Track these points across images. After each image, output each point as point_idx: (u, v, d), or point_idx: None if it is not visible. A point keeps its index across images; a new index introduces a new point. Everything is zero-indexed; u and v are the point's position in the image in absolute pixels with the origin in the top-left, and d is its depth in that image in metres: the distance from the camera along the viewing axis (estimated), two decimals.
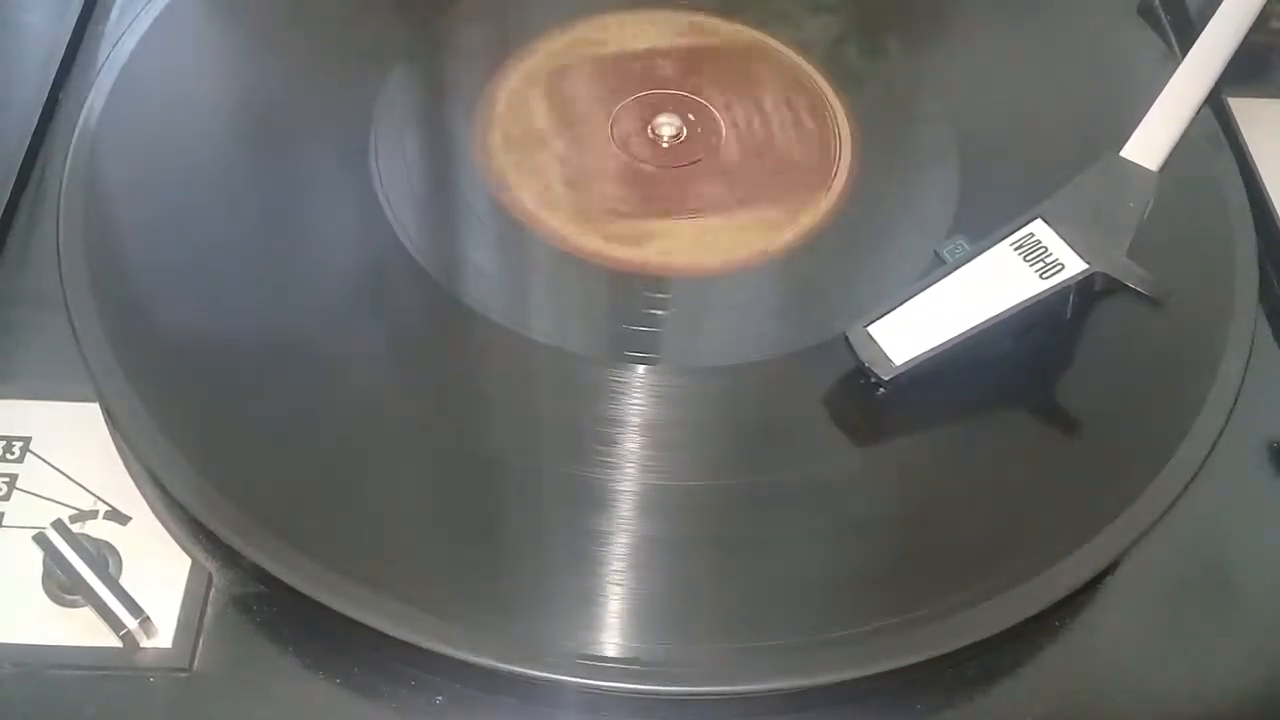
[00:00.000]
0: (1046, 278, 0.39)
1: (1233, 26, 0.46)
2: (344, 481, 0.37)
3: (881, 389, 0.39)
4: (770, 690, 0.34)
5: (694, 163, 0.47)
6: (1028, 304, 0.39)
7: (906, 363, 0.38)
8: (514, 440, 0.39)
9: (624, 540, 0.36)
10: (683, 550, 0.36)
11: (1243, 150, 0.48)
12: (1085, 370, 0.41)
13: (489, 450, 0.38)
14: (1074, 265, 0.39)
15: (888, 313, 0.39)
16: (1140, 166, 0.42)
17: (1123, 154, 0.43)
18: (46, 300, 0.42)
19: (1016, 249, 0.40)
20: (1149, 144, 0.43)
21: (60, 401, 0.40)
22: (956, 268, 0.40)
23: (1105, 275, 0.39)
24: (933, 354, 0.38)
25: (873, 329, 0.39)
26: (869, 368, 0.38)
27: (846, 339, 0.39)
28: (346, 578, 0.34)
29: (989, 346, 0.39)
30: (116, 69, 0.47)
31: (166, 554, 0.37)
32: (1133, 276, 0.39)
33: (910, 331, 0.39)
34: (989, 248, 0.40)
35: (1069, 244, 0.40)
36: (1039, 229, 0.40)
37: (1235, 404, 0.40)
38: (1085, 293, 0.40)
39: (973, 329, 0.39)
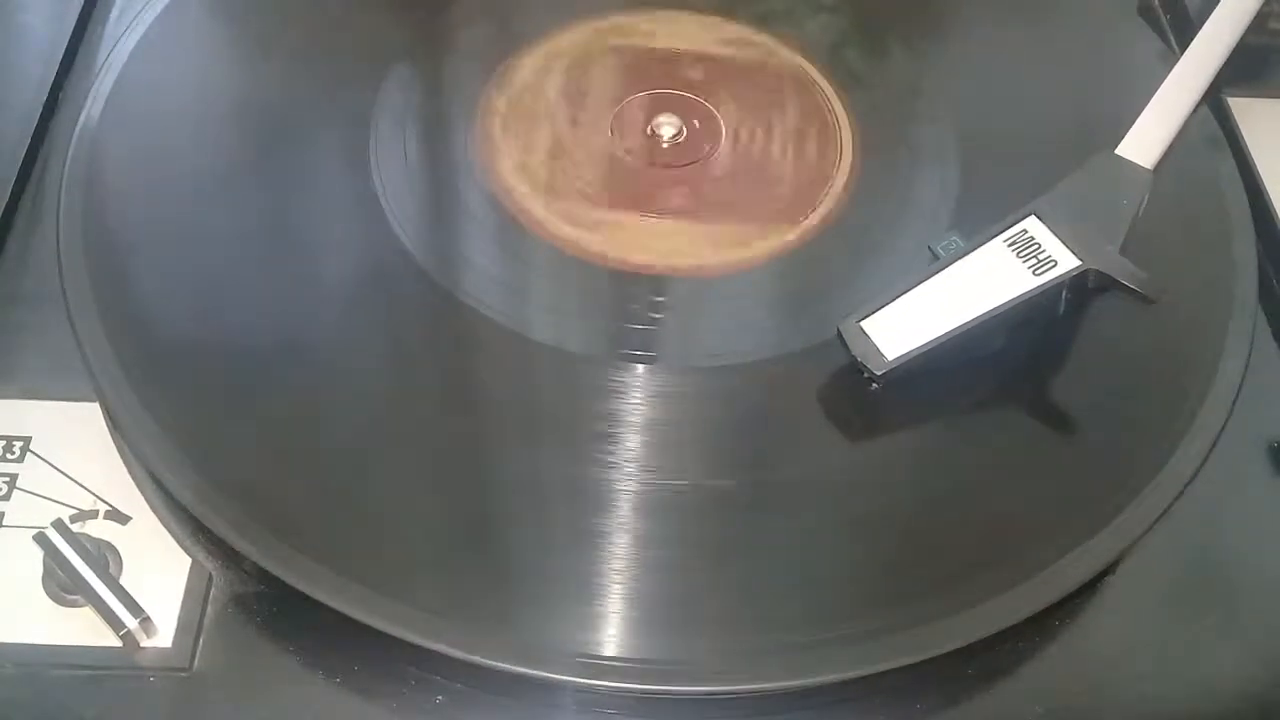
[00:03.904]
0: (1039, 274, 0.39)
1: (1229, 26, 0.46)
2: (344, 481, 0.37)
3: (874, 384, 0.39)
4: (769, 690, 0.34)
5: (694, 163, 0.47)
6: (1020, 300, 0.39)
7: (899, 358, 0.38)
8: (513, 439, 0.39)
9: (623, 539, 0.36)
10: (682, 549, 0.36)
11: (1243, 150, 0.48)
12: (1085, 369, 0.41)
13: (488, 450, 0.38)
14: (1067, 262, 0.39)
15: (881, 308, 0.39)
16: (1135, 164, 0.43)
17: (1118, 152, 0.43)
18: (46, 300, 0.42)
19: (1010, 245, 0.40)
20: (1144, 142, 0.43)
21: (60, 401, 0.40)
22: (950, 263, 0.40)
23: (1098, 272, 0.39)
24: (925, 349, 0.38)
25: (865, 324, 0.39)
26: (861, 362, 0.38)
27: (839, 333, 0.39)
28: (346, 578, 0.34)
29: (982, 343, 0.39)
30: (116, 69, 0.47)
31: (167, 554, 0.37)
32: (1125, 274, 0.39)
33: (903, 327, 0.39)
34: (983, 244, 0.40)
35: (1062, 241, 0.40)
36: (1033, 226, 0.41)
37: (1235, 403, 0.40)
38: (1078, 290, 0.40)
39: (965, 325, 0.39)
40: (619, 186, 0.47)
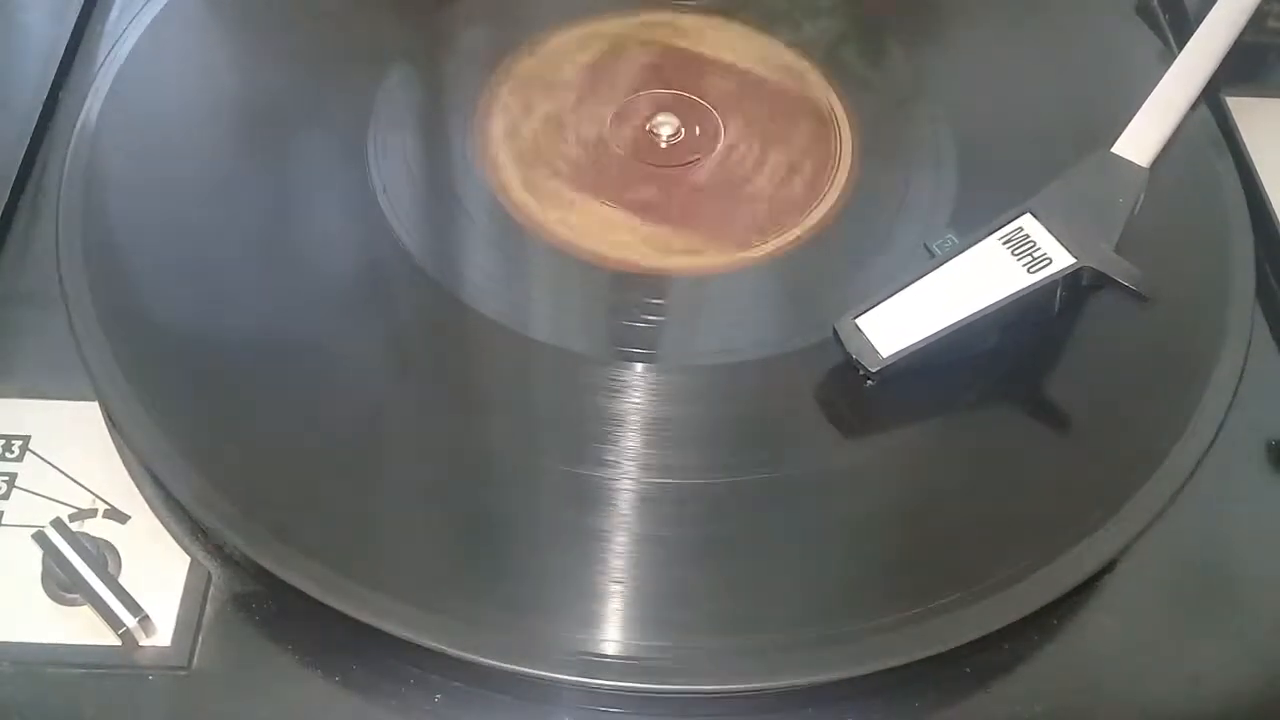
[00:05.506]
0: (1034, 272, 0.39)
1: (1226, 25, 0.46)
2: (344, 481, 0.37)
3: (869, 381, 0.39)
4: (768, 688, 0.34)
5: (692, 162, 0.47)
6: (1015, 298, 0.39)
7: (893, 355, 0.38)
8: (512, 439, 0.39)
9: (623, 538, 0.36)
10: (681, 548, 0.36)
11: (1241, 150, 0.48)
12: (1083, 368, 0.41)
13: (488, 449, 0.38)
14: (1061, 260, 0.40)
15: (876, 305, 0.39)
16: (1131, 163, 0.43)
17: (1114, 150, 0.43)
18: (46, 300, 0.42)
19: (1005, 243, 0.40)
20: (1140, 140, 0.43)
21: (60, 401, 0.40)
22: (945, 261, 0.40)
23: (1093, 270, 0.39)
24: (920, 346, 0.38)
25: (860, 321, 0.39)
26: (856, 359, 0.39)
27: (834, 331, 0.39)
28: (346, 577, 0.34)
29: (977, 340, 0.39)
30: (116, 69, 0.47)
31: (166, 553, 0.37)
32: (1120, 271, 0.39)
33: (898, 324, 0.39)
34: (977, 242, 0.40)
35: (1057, 239, 0.40)
36: (1028, 223, 0.41)
37: (1232, 402, 0.40)
38: (1073, 288, 0.40)
39: (960, 322, 0.39)
40: (617, 185, 0.47)
